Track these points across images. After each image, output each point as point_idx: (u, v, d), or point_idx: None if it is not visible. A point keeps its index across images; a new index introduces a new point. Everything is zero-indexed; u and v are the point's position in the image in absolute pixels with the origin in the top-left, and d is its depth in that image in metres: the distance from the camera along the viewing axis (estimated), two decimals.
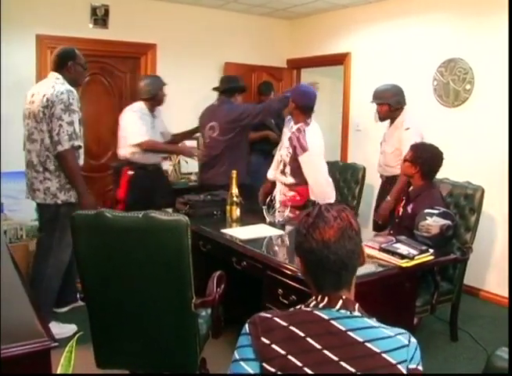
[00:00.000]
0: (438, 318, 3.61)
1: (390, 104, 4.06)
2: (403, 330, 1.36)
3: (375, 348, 1.29)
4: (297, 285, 2.38)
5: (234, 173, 3.47)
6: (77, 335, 1.37)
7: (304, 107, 3.64)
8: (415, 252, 2.72)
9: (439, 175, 3.70)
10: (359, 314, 1.36)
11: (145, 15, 5.21)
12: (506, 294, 4.11)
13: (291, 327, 1.31)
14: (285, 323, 1.32)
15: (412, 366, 1.31)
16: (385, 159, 4.20)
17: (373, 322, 1.36)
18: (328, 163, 3.82)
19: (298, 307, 1.42)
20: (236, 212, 3.44)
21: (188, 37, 5.53)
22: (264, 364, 1.27)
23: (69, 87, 3.29)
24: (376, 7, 5.15)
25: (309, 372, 1.25)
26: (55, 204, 3.32)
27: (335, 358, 1.27)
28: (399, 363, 1.28)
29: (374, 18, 5.19)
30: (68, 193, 3.34)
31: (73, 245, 2.22)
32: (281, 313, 1.39)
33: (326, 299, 1.37)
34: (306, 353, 1.28)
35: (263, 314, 1.38)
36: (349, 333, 1.30)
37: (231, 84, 4.39)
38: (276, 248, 2.98)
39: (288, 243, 3.11)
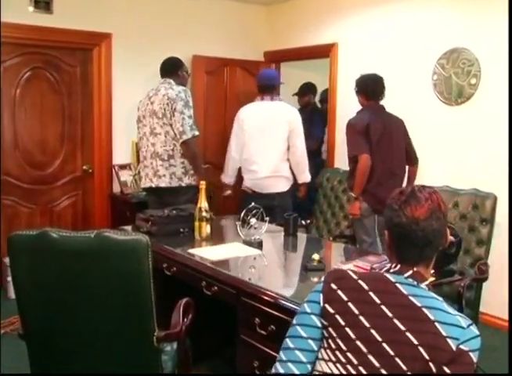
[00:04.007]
0: None
1: None
2: (468, 318, 1.62)
3: (430, 315, 1.57)
4: (277, 313, 2.37)
5: (203, 184, 3.46)
6: None
7: (258, 86, 4.91)
8: None
9: (438, 183, 3.74)
10: (425, 288, 1.66)
11: None
12: None
13: (359, 281, 1.68)
14: (355, 277, 1.71)
15: (464, 348, 1.53)
16: None
17: (437, 296, 1.64)
18: None
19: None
20: (206, 229, 3.42)
21: (149, 25, 5.53)
22: (326, 305, 1.67)
23: (184, 87, 4.42)
24: None
25: (363, 320, 1.60)
26: (180, 186, 4.33)
27: (390, 314, 1.60)
28: (449, 337, 1.53)
29: (365, 3, 5.26)
30: (192, 177, 4.39)
31: (11, 271, 2.19)
32: (356, 270, 1.84)
33: (399, 266, 1.70)
34: (365, 304, 1.64)
35: (341, 266, 2.10)
36: (410, 297, 1.62)
37: None
38: (253, 271, 2.98)
39: (266, 263, 3.11)
